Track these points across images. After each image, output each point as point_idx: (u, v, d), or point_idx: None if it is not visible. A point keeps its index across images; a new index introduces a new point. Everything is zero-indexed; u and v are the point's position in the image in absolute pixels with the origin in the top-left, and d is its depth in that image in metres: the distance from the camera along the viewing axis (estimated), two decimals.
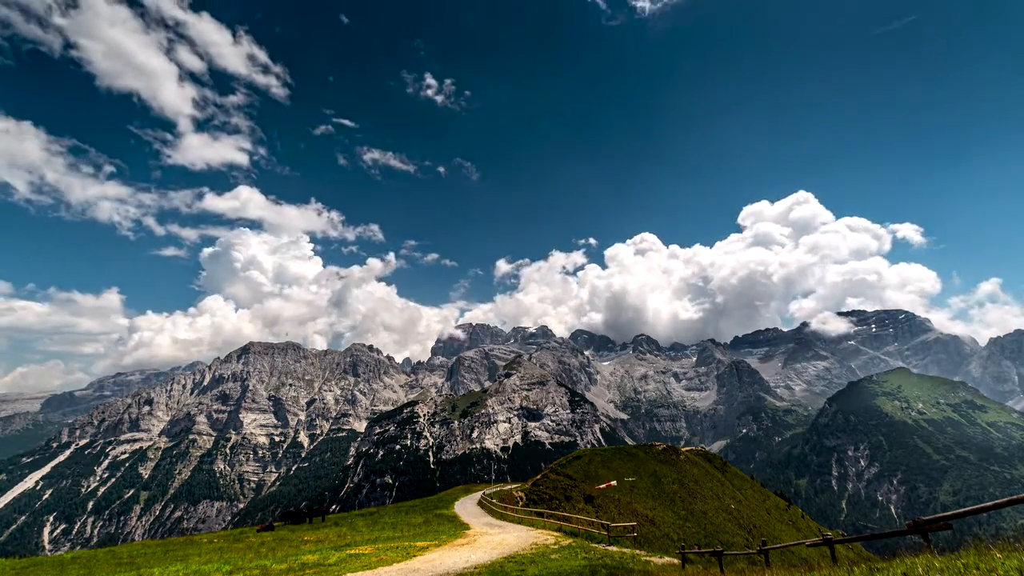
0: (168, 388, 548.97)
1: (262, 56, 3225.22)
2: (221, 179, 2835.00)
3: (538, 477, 68.36)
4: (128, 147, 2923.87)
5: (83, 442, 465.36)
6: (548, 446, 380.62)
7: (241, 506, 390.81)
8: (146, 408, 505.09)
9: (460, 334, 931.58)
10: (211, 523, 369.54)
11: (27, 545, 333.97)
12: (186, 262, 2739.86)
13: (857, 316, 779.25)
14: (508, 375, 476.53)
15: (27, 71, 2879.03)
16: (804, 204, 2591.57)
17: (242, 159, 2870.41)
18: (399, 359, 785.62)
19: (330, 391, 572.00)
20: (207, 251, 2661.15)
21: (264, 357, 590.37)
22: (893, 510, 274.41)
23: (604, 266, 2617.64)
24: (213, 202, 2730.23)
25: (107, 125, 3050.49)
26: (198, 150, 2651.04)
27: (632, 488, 67.54)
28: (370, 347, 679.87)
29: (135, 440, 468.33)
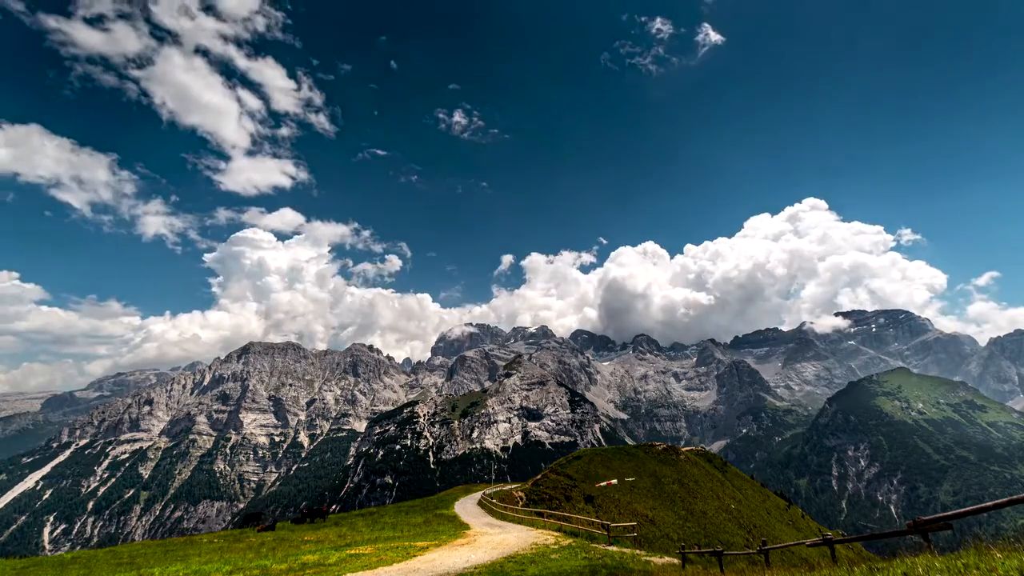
0: (168, 388, 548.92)
1: (318, 99, 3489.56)
2: (265, 200, 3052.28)
3: (538, 477, 68.35)
4: (184, 172, 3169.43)
5: (83, 442, 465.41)
6: (548, 446, 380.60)
7: (241, 506, 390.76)
8: (146, 408, 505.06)
9: (469, 330, 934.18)
10: (211, 523, 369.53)
11: (27, 545, 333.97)
12: (223, 274, 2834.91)
13: (857, 316, 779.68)
14: (508, 375, 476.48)
15: (101, 108, 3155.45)
16: (810, 211, 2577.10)
17: (285, 182, 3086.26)
18: (405, 355, 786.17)
19: (330, 391, 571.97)
20: (210, 256, 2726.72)
21: (264, 357, 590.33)
22: (893, 510, 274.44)
23: (605, 265, 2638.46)
24: (257, 220, 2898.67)
25: (167, 153, 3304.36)
26: (247, 173, 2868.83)
27: (632, 488, 67.53)
28: (370, 347, 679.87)
29: (135, 440, 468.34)
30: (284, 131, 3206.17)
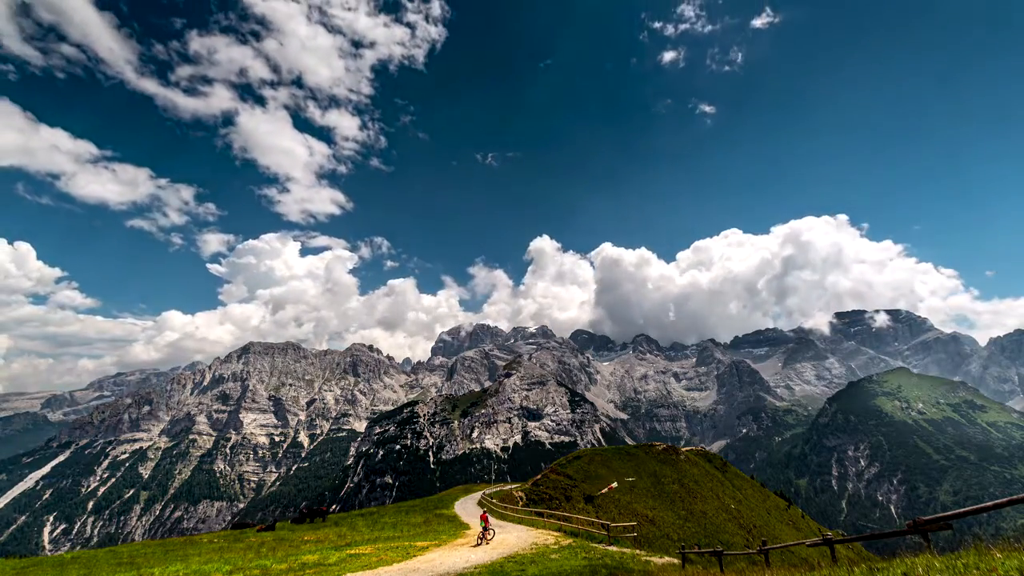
0: (168, 388, 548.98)
1: (380, 144, 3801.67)
2: (319, 226, 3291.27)
3: (538, 477, 68.36)
4: (251, 201, 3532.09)
5: (83, 442, 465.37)
6: (548, 446, 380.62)
7: (241, 506, 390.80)
8: (146, 408, 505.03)
9: (469, 330, 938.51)
10: (211, 523, 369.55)
11: (27, 545, 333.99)
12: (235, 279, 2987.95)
13: (857, 316, 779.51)
14: (508, 375, 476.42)
15: (189, 150, 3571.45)
16: (818, 224, 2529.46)
17: (335, 210, 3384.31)
18: (414, 353, 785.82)
19: (330, 391, 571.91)
20: (221, 265, 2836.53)
21: (264, 357, 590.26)
22: (893, 510, 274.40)
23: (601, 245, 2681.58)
24: (308, 242, 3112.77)
25: (240, 186, 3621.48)
26: (303, 204, 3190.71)
27: (632, 488, 67.53)
28: (370, 347, 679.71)
29: (135, 440, 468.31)
30: (343, 169, 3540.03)
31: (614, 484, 64.10)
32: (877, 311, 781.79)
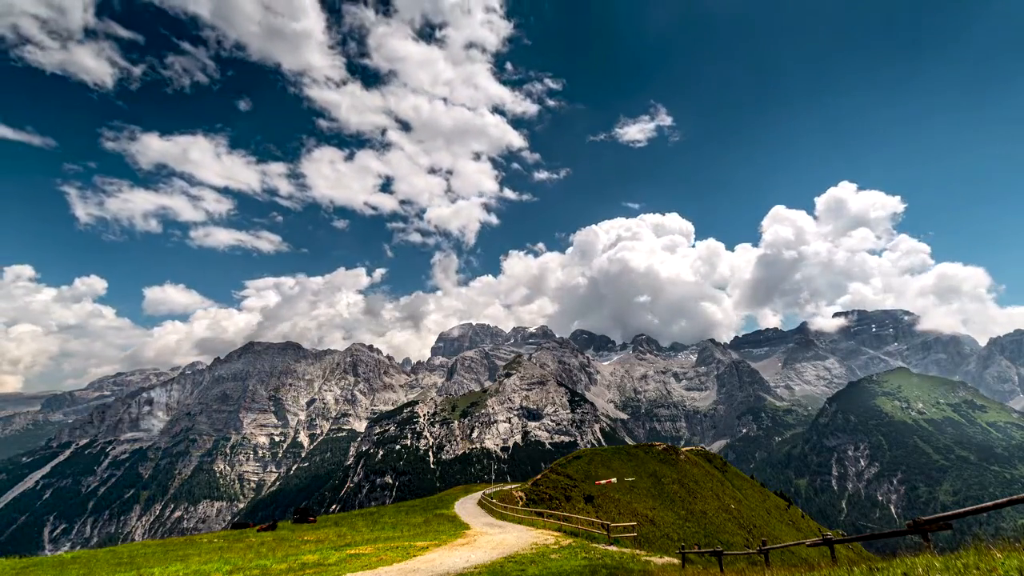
0: (168, 388, 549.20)
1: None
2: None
3: (538, 477, 68.36)
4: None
5: (83, 442, 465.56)
6: (548, 446, 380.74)
7: (241, 506, 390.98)
8: (146, 408, 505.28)
9: (468, 330, 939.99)
10: (211, 523, 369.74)
11: (27, 545, 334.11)
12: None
13: (857, 316, 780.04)
14: (508, 375, 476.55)
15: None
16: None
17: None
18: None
19: (330, 391, 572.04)
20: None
21: (264, 357, 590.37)
22: (893, 510, 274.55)
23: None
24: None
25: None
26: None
27: (632, 488, 67.55)
28: (370, 347, 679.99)
29: (135, 440, 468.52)
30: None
31: (613, 479, 64.15)
32: (877, 311, 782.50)
